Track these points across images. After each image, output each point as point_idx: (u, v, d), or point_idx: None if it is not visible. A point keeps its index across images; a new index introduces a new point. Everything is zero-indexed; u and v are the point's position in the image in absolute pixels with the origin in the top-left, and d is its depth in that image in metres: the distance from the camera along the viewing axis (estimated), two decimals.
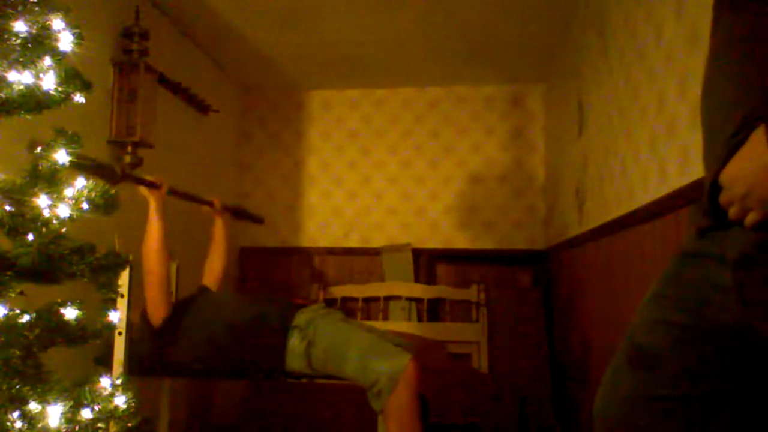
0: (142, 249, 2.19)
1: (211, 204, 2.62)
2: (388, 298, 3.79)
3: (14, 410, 1.07)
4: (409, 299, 3.74)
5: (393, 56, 3.53)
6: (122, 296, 1.94)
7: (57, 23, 1.17)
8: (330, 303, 3.78)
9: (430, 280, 3.87)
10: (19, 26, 1.12)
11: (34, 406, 1.10)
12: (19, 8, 1.11)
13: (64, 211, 1.18)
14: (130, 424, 1.30)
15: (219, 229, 2.66)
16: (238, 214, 2.86)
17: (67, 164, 1.21)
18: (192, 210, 3.34)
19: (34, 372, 1.12)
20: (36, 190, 1.16)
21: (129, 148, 2.56)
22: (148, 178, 2.19)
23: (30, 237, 1.15)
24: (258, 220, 3.03)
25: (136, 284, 2.08)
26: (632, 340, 0.89)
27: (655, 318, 0.87)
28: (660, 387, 0.81)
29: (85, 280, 1.23)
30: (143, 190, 2.20)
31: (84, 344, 1.26)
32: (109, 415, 1.24)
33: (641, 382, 0.84)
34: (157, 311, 2.16)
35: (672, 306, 0.85)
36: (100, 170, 1.63)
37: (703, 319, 0.79)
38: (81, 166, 1.34)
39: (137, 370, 2.10)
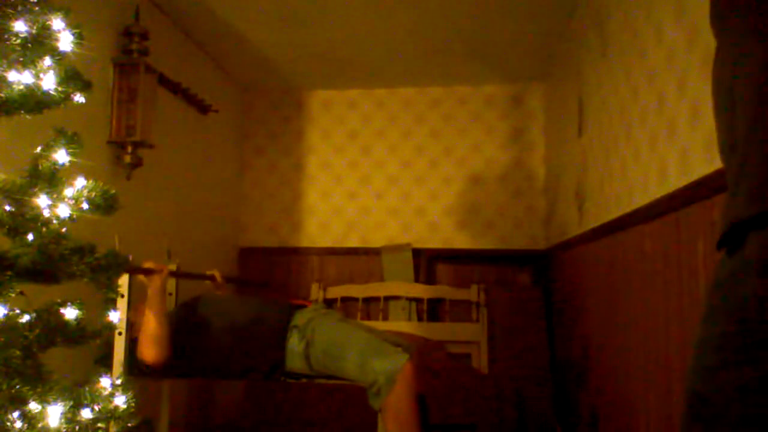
0: (140, 334, 2.08)
1: (212, 278, 2.59)
2: (388, 298, 3.78)
3: (14, 410, 1.07)
4: (409, 299, 3.74)
5: (393, 56, 3.53)
6: (122, 296, 1.94)
7: (57, 23, 1.18)
8: (330, 303, 3.78)
9: (430, 280, 3.87)
10: (19, 26, 1.12)
11: (34, 406, 1.10)
12: (19, 8, 1.11)
13: (64, 211, 1.18)
14: (130, 424, 1.30)
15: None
16: (241, 283, 2.83)
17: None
18: (193, 209, 3.35)
19: (34, 372, 1.13)
20: (36, 190, 1.16)
21: (129, 148, 2.56)
22: (147, 265, 2.09)
23: (30, 237, 1.15)
24: (262, 285, 3.00)
25: (136, 284, 2.08)
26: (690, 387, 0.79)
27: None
28: None
29: (85, 280, 1.23)
30: (141, 277, 2.08)
31: (84, 344, 1.26)
32: (109, 415, 1.24)
33: None
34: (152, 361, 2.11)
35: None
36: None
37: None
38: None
39: (137, 370, 2.10)
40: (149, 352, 2.07)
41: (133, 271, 2.00)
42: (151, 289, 2.08)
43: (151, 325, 2.06)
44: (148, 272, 2.07)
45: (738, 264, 0.72)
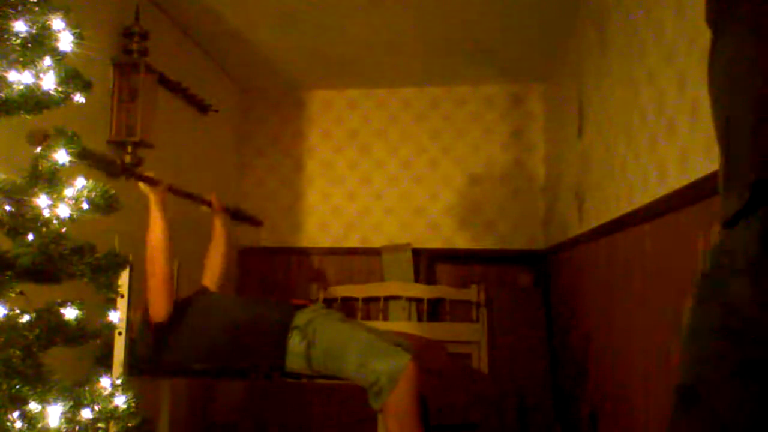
0: (146, 246, 2.19)
1: (209, 203, 2.61)
2: (388, 298, 3.78)
3: (14, 410, 1.07)
4: (409, 299, 3.74)
5: (393, 56, 3.53)
6: (122, 296, 1.94)
7: (57, 23, 1.17)
8: (330, 303, 3.77)
9: (430, 280, 3.87)
10: (19, 26, 1.12)
11: (34, 406, 1.10)
12: (19, 8, 1.11)
13: (64, 211, 1.18)
14: (130, 424, 1.30)
15: (218, 228, 2.65)
16: (236, 215, 2.86)
17: (72, 158, 1.21)
18: (192, 209, 3.34)
19: (34, 372, 1.12)
20: (36, 190, 1.16)
21: (129, 148, 2.56)
22: (148, 174, 2.20)
23: (30, 237, 1.15)
24: (256, 222, 3.03)
25: (136, 284, 2.08)
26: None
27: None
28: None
29: (85, 280, 1.23)
30: (143, 186, 2.20)
31: (84, 344, 1.26)
32: (109, 415, 1.24)
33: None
34: (161, 309, 2.15)
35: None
36: (103, 162, 1.61)
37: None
38: (84, 155, 1.33)
39: (137, 370, 2.10)
40: (158, 308, 2.14)
41: (136, 177, 2.13)
42: (153, 197, 2.21)
43: (157, 231, 2.19)
44: (150, 181, 2.18)
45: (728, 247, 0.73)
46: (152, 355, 2.15)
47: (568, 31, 3.07)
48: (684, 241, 1.54)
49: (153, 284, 2.15)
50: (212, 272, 2.59)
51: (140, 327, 2.16)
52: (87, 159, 1.39)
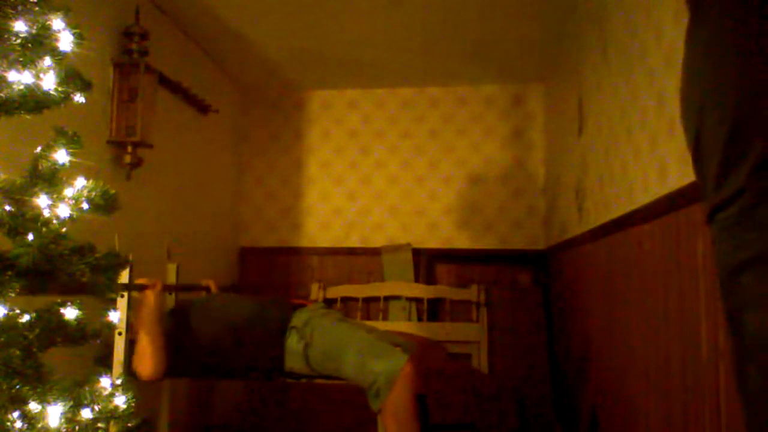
0: (133, 360, 2.01)
1: (207, 289, 2.60)
2: (388, 298, 3.78)
3: (14, 410, 1.07)
4: (409, 299, 3.74)
5: (393, 56, 3.53)
6: (122, 296, 1.94)
7: (57, 23, 1.17)
8: (330, 303, 3.78)
9: (430, 280, 3.87)
10: (19, 26, 1.12)
11: (34, 406, 1.10)
12: (19, 8, 1.11)
13: (64, 211, 1.18)
14: (130, 424, 1.29)
15: None
16: (237, 290, 2.84)
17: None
18: (193, 209, 3.35)
19: (34, 372, 1.12)
20: (36, 190, 1.16)
21: (129, 148, 2.56)
22: (140, 281, 2.03)
23: (30, 237, 1.15)
24: (257, 291, 3.03)
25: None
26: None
27: None
28: None
29: (85, 280, 1.23)
30: (135, 294, 2.01)
31: (84, 344, 1.26)
32: (109, 415, 1.24)
33: None
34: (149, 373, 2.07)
35: None
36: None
37: None
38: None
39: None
40: (143, 369, 2.03)
41: (126, 288, 1.92)
42: (144, 307, 2.03)
43: (143, 343, 2.02)
44: (141, 288, 2.03)
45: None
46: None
47: (568, 31, 3.06)
48: (684, 241, 1.54)
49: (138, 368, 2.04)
50: None
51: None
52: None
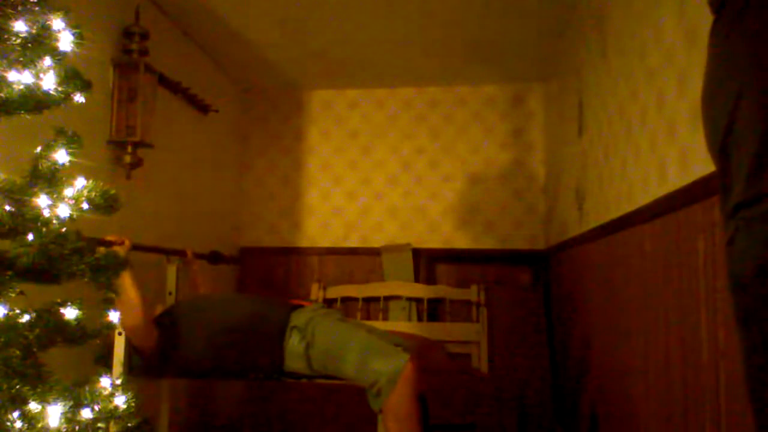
0: (121, 323, 1.99)
1: (183, 254, 2.59)
2: (388, 298, 3.78)
3: (14, 410, 1.07)
4: (409, 299, 3.74)
5: (393, 56, 3.53)
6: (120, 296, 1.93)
7: (57, 23, 1.17)
8: (330, 303, 3.78)
9: (430, 280, 3.87)
10: (19, 26, 1.12)
11: (34, 406, 1.10)
12: (19, 8, 1.11)
13: (64, 211, 1.18)
14: (130, 424, 1.29)
15: (194, 277, 2.64)
16: (213, 259, 2.86)
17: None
18: (193, 209, 3.35)
19: (34, 372, 1.12)
20: (36, 190, 1.16)
21: (129, 148, 2.56)
22: (109, 237, 2.02)
23: (30, 237, 1.15)
24: (234, 261, 3.04)
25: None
26: None
27: None
28: None
29: (85, 280, 1.23)
30: (102, 250, 2.04)
31: (84, 344, 1.26)
32: (109, 415, 1.23)
33: None
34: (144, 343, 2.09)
35: None
36: None
37: None
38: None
39: (136, 369, 2.10)
40: (130, 319, 2.01)
41: (95, 243, 1.86)
42: None
43: (124, 297, 1.97)
44: (109, 245, 2.00)
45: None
46: (153, 356, 2.15)
47: (569, 31, 3.07)
48: (684, 241, 1.54)
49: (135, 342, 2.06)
50: None
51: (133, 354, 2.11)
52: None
